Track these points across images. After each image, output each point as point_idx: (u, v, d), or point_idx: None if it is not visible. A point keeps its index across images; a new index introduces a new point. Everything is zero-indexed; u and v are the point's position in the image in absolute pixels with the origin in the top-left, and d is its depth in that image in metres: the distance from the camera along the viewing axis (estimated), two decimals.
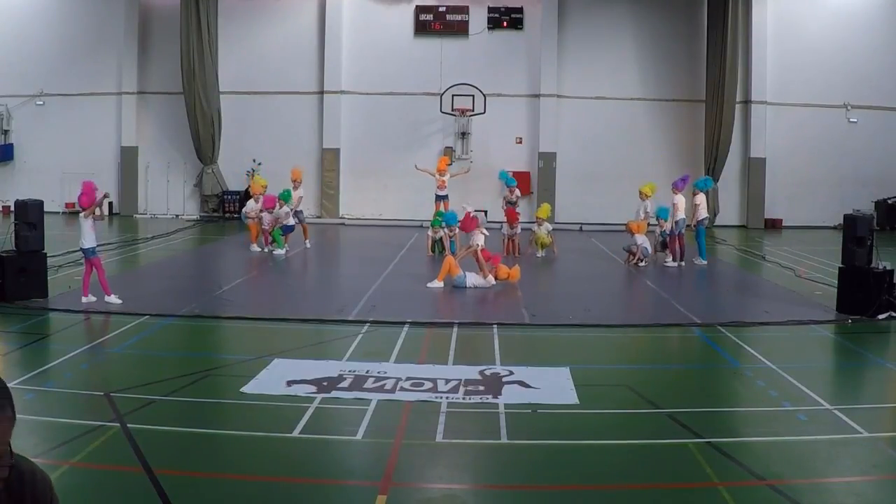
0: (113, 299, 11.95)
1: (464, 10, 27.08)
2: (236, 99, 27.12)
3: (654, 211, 17.70)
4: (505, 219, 18.69)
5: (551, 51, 26.88)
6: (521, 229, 18.81)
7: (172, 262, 17.22)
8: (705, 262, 17.55)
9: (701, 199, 17.73)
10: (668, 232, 17.33)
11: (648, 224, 17.90)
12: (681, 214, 17.21)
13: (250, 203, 19.20)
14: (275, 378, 8.41)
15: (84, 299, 11.88)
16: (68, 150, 27.34)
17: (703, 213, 17.72)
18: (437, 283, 13.97)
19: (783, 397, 8.08)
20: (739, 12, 26.31)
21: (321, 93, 27.33)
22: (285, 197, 18.27)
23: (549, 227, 18.88)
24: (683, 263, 17.13)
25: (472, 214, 15.58)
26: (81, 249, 12.20)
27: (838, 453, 6.67)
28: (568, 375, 8.62)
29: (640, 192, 18.18)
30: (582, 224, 25.41)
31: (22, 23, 27.52)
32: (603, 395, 8.23)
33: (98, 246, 18.56)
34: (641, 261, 17.14)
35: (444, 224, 17.21)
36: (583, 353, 10.30)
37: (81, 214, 12.11)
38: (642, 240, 17.22)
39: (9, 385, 7.62)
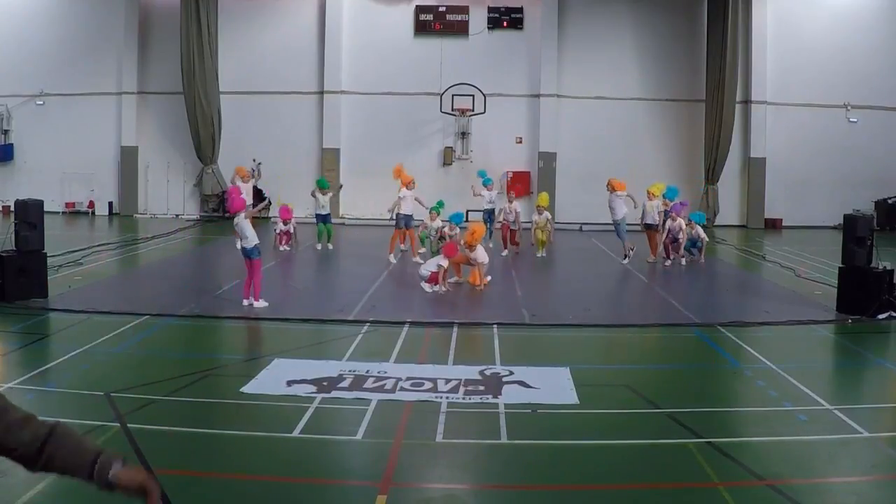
0: (261, 303, 11.97)
1: (464, 10, 27.09)
2: (236, 99, 27.13)
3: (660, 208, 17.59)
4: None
5: (551, 51, 26.90)
6: (522, 227, 18.87)
7: (172, 262, 17.21)
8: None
9: (698, 230, 17.78)
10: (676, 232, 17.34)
11: (664, 220, 17.68)
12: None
13: (240, 186, 17.96)
14: (275, 378, 8.41)
15: (245, 302, 11.98)
16: (68, 150, 27.35)
17: (701, 234, 17.83)
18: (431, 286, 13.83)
19: (783, 397, 8.08)
20: (739, 12, 26.33)
21: (321, 93, 27.34)
22: (323, 184, 19.08)
23: (549, 215, 18.69)
24: (670, 263, 17.17)
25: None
26: (244, 249, 12.07)
27: (838, 453, 6.67)
28: (568, 375, 8.62)
29: (648, 193, 17.88)
30: (582, 224, 25.42)
31: (22, 23, 27.52)
32: (603, 395, 8.23)
33: (100, 245, 18.66)
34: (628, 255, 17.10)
35: (443, 221, 16.85)
36: (583, 353, 10.30)
37: (242, 215, 12.03)
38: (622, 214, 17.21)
39: (9, 385, 7.58)
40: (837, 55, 26.83)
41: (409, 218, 17.67)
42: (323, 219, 18.83)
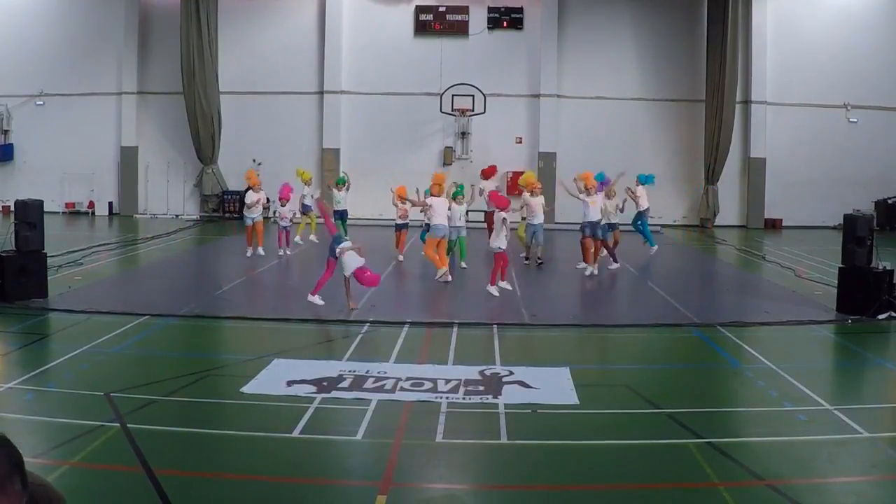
0: (316, 299, 12.08)
1: (464, 10, 27.10)
2: (236, 99, 27.13)
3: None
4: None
5: (551, 51, 26.90)
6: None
7: (172, 262, 17.21)
8: (655, 248, 17.98)
9: (642, 191, 17.88)
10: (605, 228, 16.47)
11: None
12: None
13: (251, 195, 17.63)
14: (275, 378, 8.41)
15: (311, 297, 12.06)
16: (68, 150, 27.36)
17: (644, 203, 17.90)
18: (504, 285, 13.49)
19: (783, 397, 8.08)
20: (739, 12, 26.34)
21: (321, 93, 27.35)
22: (340, 181, 19.51)
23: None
24: (596, 271, 15.98)
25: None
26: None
27: (838, 453, 6.66)
28: (568, 375, 8.63)
29: (606, 191, 16.52)
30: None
31: (22, 23, 27.52)
32: (603, 395, 8.23)
33: (100, 245, 18.65)
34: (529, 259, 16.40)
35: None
36: (583, 353, 10.30)
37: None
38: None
39: (9, 385, 7.60)
40: (837, 55, 26.83)
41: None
42: (339, 215, 19.00)
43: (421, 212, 16.03)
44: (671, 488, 5.98)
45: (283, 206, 17.68)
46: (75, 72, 27.41)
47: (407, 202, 16.94)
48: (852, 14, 26.98)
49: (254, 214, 17.50)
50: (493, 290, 13.25)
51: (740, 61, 26.50)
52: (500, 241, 13.27)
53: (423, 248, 15.25)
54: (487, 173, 20.22)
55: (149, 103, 27.79)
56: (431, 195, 15.74)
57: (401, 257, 17.42)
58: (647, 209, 18.19)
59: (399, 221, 17.67)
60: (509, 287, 13.41)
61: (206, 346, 10.68)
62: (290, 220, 18.01)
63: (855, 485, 6.00)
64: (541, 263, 16.76)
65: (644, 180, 18.29)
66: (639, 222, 18.35)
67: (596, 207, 15.51)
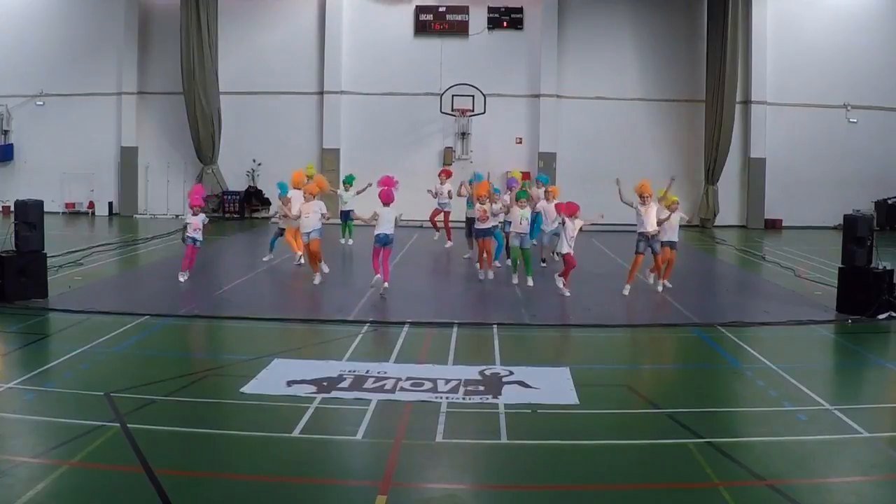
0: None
1: (464, 10, 27.11)
2: (236, 99, 27.13)
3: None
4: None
5: (551, 51, 26.91)
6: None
7: (172, 262, 17.18)
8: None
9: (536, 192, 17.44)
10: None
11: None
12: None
13: (304, 206, 14.27)
14: (275, 378, 8.41)
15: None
16: (68, 150, 27.36)
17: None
18: (565, 290, 13.43)
19: (783, 397, 8.09)
20: (739, 12, 26.34)
21: (321, 93, 27.34)
22: (349, 180, 19.26)
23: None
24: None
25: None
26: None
27: (838, 453, 6.67)
28: (568, 375, 8.63)
29: (641, 195, 14.41)
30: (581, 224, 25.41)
31: (22, 23, 27.52)
32: (603, 395, 8.23)
33: (99, 245, 18.63)
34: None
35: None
36: (583, 353, 10.30)
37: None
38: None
39: (9, 385, 7.63)
40: (837, 55, 26.84)
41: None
42: (345, 216, 19.00)
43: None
44: (671, 488, 5.98)
45: (193, 214, 14.39)
46: (75, 72, 27.40)
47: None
48: (852, 14, 26.99)
49: (308, 229, 14.18)
50: (565, 291, 13.37)
51: (740, 61, 26.50)
52: (565, 244, 13.53)
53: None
54: (444, 176, 19.15)
55: (149, 103, 27.78)
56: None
57: (491, 274, 14.61)
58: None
59: (480, 226, 14.24)
60: (566, 292, 13.39)
61: (206, 346, 10.69)
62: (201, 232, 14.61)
63: (855, 485, 6.00)
64: (544, 263, 16.72)
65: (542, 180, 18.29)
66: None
67: (651, 218, 13.90)
